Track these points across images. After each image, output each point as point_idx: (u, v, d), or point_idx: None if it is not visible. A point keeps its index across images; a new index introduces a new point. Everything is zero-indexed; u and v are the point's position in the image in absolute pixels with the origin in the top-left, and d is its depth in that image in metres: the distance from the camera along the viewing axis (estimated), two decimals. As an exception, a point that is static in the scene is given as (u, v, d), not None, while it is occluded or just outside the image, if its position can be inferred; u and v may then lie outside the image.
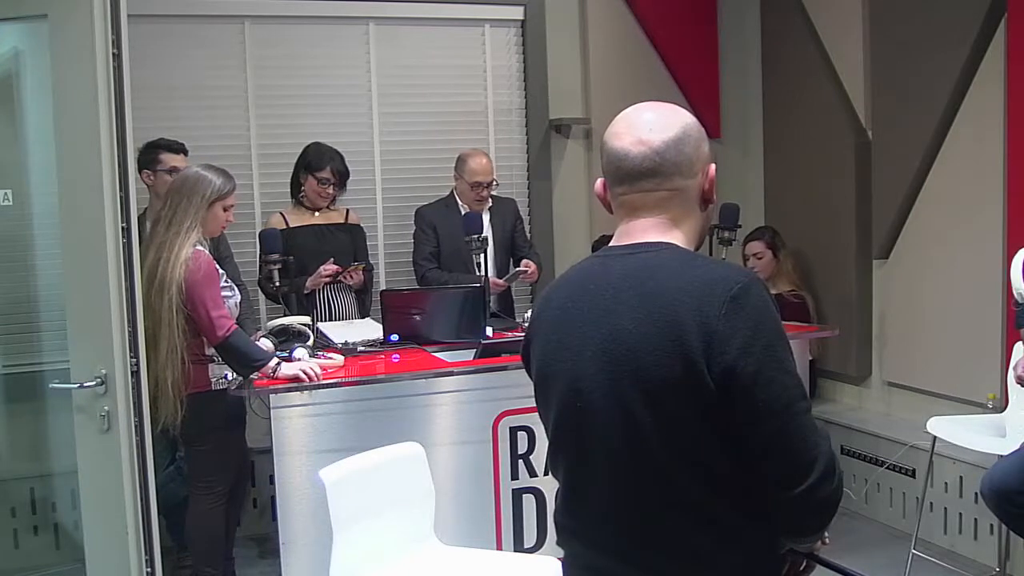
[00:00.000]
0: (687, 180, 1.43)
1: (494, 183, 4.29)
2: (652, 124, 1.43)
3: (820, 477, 1.29)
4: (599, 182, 1.52)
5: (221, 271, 3.19)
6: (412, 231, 4.54)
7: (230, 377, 3.17)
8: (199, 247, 3.08)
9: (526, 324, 1.65)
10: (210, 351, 3.14)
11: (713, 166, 1.47)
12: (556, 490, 1.53)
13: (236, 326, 3.10)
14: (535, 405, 1.55)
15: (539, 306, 1.56)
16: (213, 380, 3.16)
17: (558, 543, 1.54)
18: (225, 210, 3.18)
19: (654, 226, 1.43)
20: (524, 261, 4.23)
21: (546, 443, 1.54)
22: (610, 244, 1.49)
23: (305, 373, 3.06)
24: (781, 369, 1.29)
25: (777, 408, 1.28)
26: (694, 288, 1.31)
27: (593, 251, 4.62)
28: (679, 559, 1.36)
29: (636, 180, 1.43)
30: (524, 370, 1.60)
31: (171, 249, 3.01)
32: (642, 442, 1.33)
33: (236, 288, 3.31)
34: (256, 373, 3.09)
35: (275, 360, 3.08)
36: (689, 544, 1.35)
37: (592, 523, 1.44)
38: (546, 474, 3.31)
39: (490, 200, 4.32)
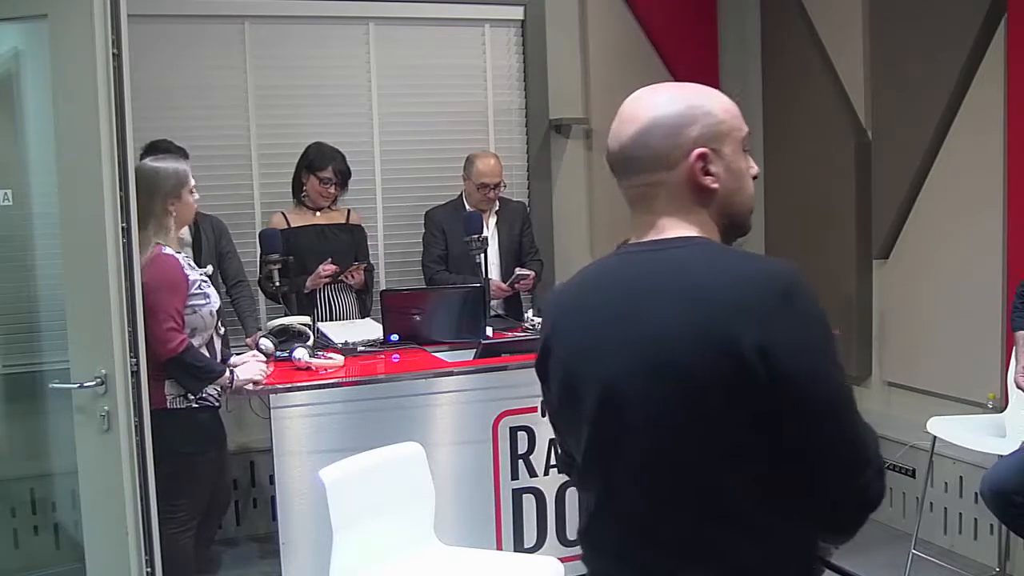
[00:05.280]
0: (660, 173, 1.33)
1: (502, 185, 4.30)
2: (624, 116, 1.37)
3: (875, 473, 1.26)
4: None
5: (197, 277, 2.95)
6: (412, 231, 4.56)
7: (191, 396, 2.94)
8: (167, 251, 2.87)
9: (538, 329, 1.58)
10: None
11: (700, 151, 1.32)
12: (583, 507, 1.43)
13: (188, 341, 2.86)
14: (543, 409, 1.51)
15: (556, 310, 1.45)
16: (168, 398, 2.88)
17: (584, 560, 1.45)
18: (192, 192, 2.98)
19: (666, 222, 1.34)
20: (519, 270, 4.19)
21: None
22: (631, 240, 1.40)
23: (261, 371, 3.05)
24: (835, 365, 1.24)
25: (835, 406, 1.23)
26: (739, 284, 1.23)
27: None
28: (716, 570, 1.29)
29: (618, 176, 1.39)
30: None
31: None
32: (684, 450, 1.26)
33: (212, 296, 2.99)
34: (211, 386, 2.95)
35: (228, 371, 2.96)
36: (726, 554, 1.28)
37: (627, 537, 1.35)
38: (546, 474, 3.31)
39: (497, 203, 4.33)
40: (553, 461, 3.31)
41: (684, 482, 1.27)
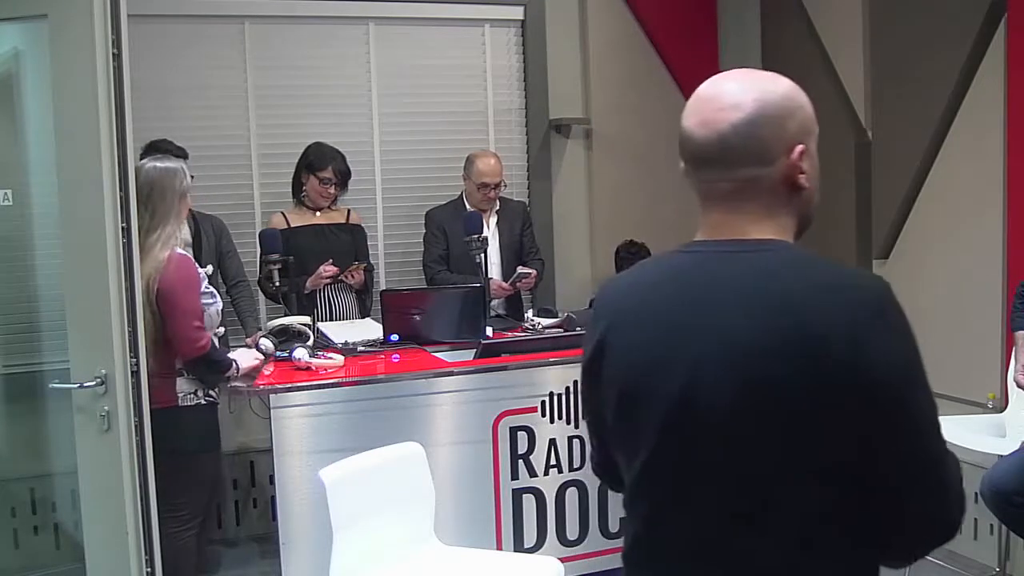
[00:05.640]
0: (761, 169, 1.23)
1: (502, 184, 4.29)
2: (722, 100, 1.23)
3: (957, 500, 1.21)
4: None
5: (204, 276, 3.02)
6: (412, 231, 4.56)
7: (199, 393, 3.00)
8: (179, 250, 2.93)
9: (590, 328, 1.38)
10: (178, 364, 2.94)
11: (801, 147, 1.23)
12: (633, 527, 1.34)
13: (212, 338, 2.96)
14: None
15: (613, 307, 1.34)
16: (180, 396, 2.94)
17: None
18: None
19: (746, 220, 1.25)
20: (521, 268, 4.19)
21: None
22: (701, 238, 1.30)
23: (256, 358, 3.16)
24: (925, 387, 1.19)
25: (925, 426, 1.18)
26: (831, 297, 1.17)
27: (617, 257, 4.62)
28: None
29: (700, 167, 1.25)
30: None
31: (149, 254, 2.81)
32: (761, 466, 1.19)
33: (217, 294, 3.10)
34: (224, 379, 3.04)
35: (232, 366, 3.02)
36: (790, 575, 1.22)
37: (686, 554, 1.27)
38: (546, 474, 3.31)
39: (498, 203, 4.32)
40: (553, 461, 3.31)
41: (756, 499, 1.20)
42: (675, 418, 1.23)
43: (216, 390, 3.06)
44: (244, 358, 3.13)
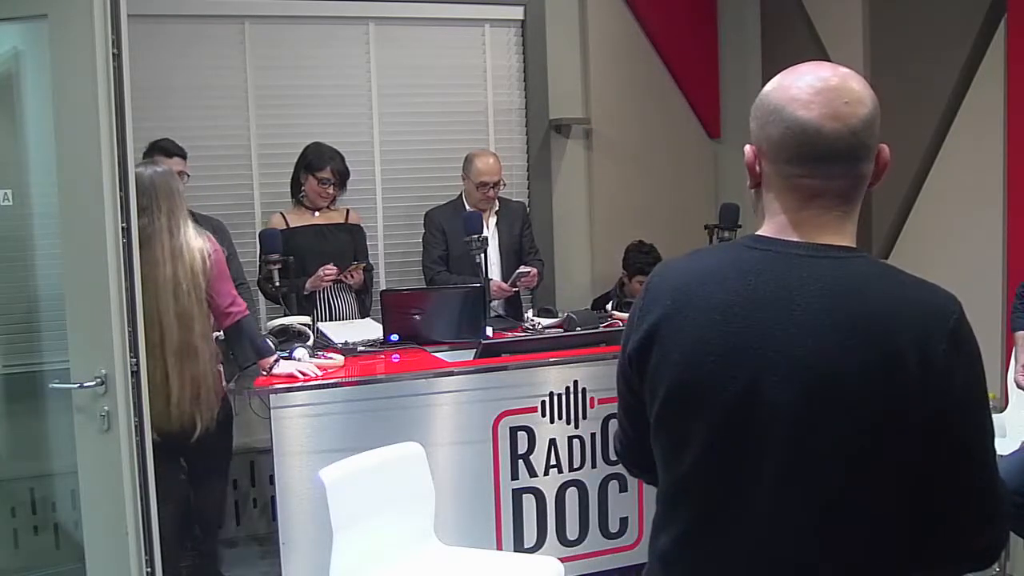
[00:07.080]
0: (870, 165, 1.23)
1: (501, 183, 4.29)
2: (847, 95, 1.19)
3: (1001, 525, 1.25)
4: (750, 150, 1.29)
5: None
6: (412, 231, 4.56)
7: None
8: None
9: (639, 313, 1.32)
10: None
11: (886, 147, 1.25)
12: (677, 526, 1.30)
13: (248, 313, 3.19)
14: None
15: (671, 295, 1.28)
16: (225, 386, 3.23)
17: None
18: None
19: (829, 222, 1.23)
20: (521, 268, 4.19)
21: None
22: (774, 236, 1.26)
23: (302, 372, 3.10)
24: (988, 407, 1.21)
25: (983, 453, 1.21)
26: (911, 314, 1.17)
27: (626, 258, 4.59)
28: None
29: (823, 163, 1.20)
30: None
31: (187, 249, 3.01)
32: (821, 475, 1.18)
33: None
34: (255, 364, 3.16)
35: (275, 355, 3.16)
36: None
37: (732, 559, 1.24)
38: (546, 474, 3.31)
39: (497, 203, 4.32)
40: (553, 461, 3.31)
41: (810, 508, 1.19)
42: (735, 420, 1.20)
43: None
44: (287, 365, 3.15)
